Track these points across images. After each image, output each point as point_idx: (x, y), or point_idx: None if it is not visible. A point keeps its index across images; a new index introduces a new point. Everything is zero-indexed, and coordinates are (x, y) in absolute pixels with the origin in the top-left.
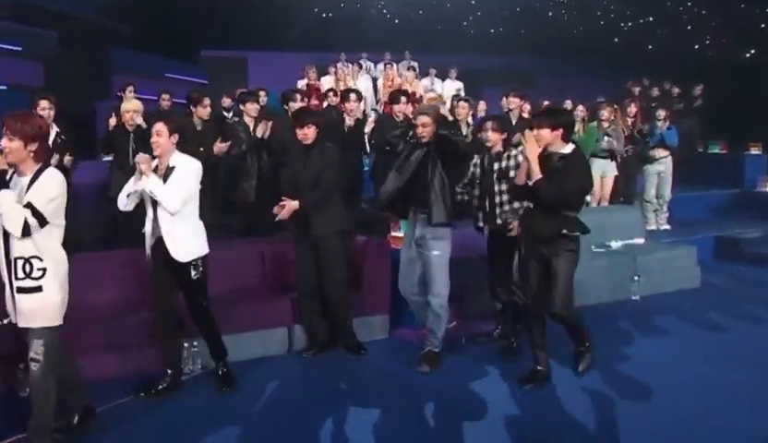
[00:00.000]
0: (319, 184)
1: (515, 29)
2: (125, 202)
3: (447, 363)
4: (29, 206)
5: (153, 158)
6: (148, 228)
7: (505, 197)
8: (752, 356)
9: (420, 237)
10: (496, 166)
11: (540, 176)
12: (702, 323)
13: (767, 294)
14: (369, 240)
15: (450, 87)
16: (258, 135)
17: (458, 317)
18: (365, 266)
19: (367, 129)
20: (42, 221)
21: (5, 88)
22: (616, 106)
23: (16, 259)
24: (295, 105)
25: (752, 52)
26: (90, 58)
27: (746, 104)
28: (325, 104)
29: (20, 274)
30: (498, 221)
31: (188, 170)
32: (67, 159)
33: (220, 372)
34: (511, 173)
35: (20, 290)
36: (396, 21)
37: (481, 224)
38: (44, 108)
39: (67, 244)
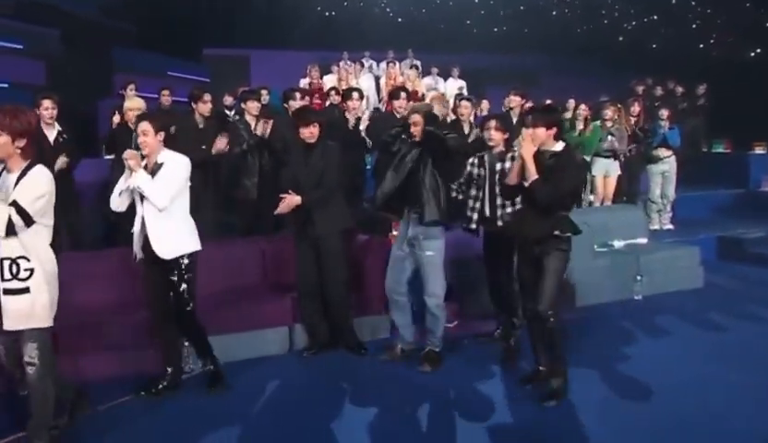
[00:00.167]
0: (322, 183)
1: (518, 28)
2: (117, 202)
3: (447, 363)
4: (14, 204)
5: (143, 157)
6: (137, 227)
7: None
8: (754, 357)
9: (413, 237)
10: (498, 166)
11: (536, 177)
12: (705, 323)
13: None
14: (371, 239)
15: (453, 85)
16: (258, 133)
17: (458, 317)
18: (366, 265)
19: (362, 127)
20: (28, 220)
21: (6, 86)
22: (619, 105)
23: (2, 260)
24: (295, 104)
25: (757, 51)
26: (93, 57)
27: (750, 104)
28: (327, 103)
29: (7, 275)
30: (500, 223)
31: (176, 166)
32: (63, 159)
33: (207, 371)
34: None
35: (7, 292)
36: (399, 20)
37: (474, 226)
38: (47, 107)
39: (70, 242)
